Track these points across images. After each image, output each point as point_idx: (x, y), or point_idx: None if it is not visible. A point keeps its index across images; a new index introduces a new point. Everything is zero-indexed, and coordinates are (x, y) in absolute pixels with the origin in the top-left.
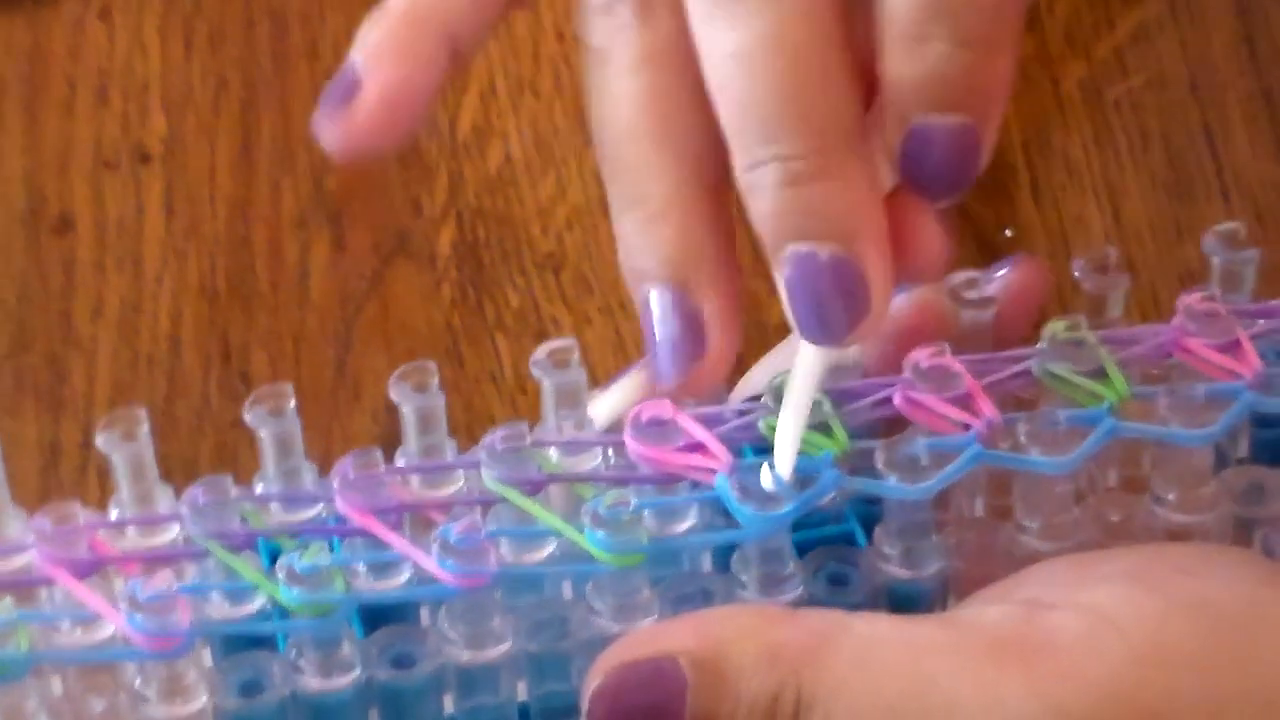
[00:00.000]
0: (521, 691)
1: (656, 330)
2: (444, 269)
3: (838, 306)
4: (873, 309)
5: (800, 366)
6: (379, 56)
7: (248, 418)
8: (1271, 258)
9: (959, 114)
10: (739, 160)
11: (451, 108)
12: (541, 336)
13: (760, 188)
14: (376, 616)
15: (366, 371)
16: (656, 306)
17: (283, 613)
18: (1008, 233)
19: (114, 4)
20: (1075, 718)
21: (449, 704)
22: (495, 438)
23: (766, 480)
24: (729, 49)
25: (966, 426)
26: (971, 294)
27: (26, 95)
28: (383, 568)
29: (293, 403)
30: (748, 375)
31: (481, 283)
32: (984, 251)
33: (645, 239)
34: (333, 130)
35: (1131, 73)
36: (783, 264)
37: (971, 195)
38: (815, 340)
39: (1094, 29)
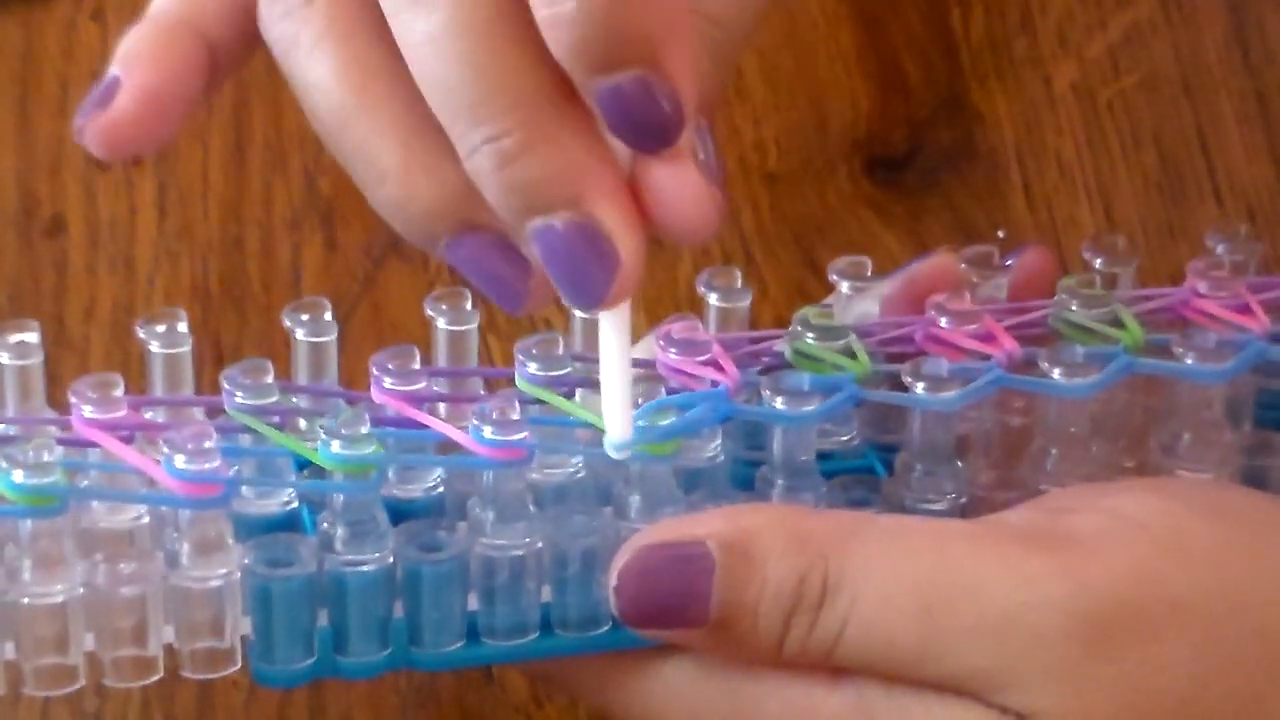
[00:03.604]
0: (546, 595)
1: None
2: (436, 270)
3: (589, 269)
4: (624, 261)
5: (604, 339)
6: (134, 60)
7: (285, 320)
8: (1265, 258)
9: (625, 69)
10: (459, 149)
11: None
12: None
13: (482, 174)
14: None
15: (359, 373)
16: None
17: (311, 508)
18: (1000, 234)
19: (106, 5)
20: (1101, 598)
21: (473, 604)
22: (530, 343)
23: (608, 446)
24: (418, 38)
25: (987, 358)
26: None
27: (18, 96)
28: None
29: (329, 314)
30: None
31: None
32: None
33: (392, 208)
34: (91, 131)
35: (1124, 73)
36: (529, 242)
37: (963, 196)
38: (582, 307)
39: (1086, 29)
